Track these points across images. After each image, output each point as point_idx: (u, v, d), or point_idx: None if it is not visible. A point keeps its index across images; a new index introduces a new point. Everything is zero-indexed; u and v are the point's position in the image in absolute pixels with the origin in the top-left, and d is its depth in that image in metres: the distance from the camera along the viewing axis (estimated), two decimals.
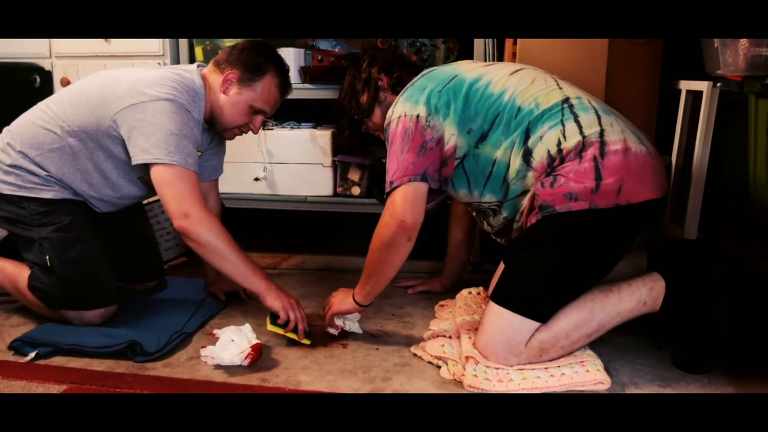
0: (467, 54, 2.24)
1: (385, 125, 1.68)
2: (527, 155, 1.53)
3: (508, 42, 2.13)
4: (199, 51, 2.35)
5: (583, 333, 1.50)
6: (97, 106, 1.70)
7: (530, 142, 1.52)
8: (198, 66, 1.83)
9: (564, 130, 1.50)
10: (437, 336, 1.69)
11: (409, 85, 1.68)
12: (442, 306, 1.95)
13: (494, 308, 1.51)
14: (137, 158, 1.66)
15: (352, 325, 1.77)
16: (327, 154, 2.35)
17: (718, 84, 1.79)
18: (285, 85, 1.84)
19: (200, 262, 2.38)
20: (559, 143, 1.49)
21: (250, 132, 1.88)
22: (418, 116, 1.59)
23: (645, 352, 1.64)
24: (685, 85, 1.96)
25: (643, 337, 1.69)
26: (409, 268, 2.32)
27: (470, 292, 1.94)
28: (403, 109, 1.62)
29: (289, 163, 2.38)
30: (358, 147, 2.11)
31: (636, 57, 2.02)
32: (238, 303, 2.02)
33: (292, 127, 2.39)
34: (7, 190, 1.75)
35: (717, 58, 1.74)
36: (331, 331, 1.74)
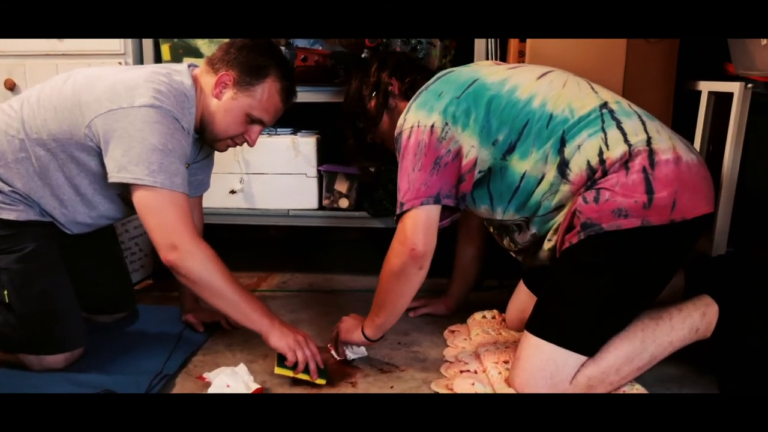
0: (466, 54, 2.05)
1: (396, 134, 1.48)
2: (563, 167, 1.35)
3: (513, 41, 1.95)
4: (165, 49, 2.10)
5: (634, 367, 1.33)
6: (70, 111, 1.45)
7: (566, 153, 1.35)
8: (189, 66, 1.58)
9: (606, 138, 1.33)
10: (461, 371, 1.49)
11: (422, 89, 1.48)
12: (453, 332, 1.75)
13: (532, 341, 1.33)
14: (113, 176, 1.41)
15: (355, 355, 1.61)
16: (311, 163, 2.13)
17: (750, 85, 1.66)
18: (289, 92, 1.60)
19: (170, 285, 2.16)
20: (600, 153, 1.32)
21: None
22: (432, 126, 1.40)
23: (688, 381, 1.49)
24: (707, 86, 1.83)
25: (682, 364, 1.53)
26: None
27: (484, 316, 1.76)
28: (416, 118, 1.42)
29: (269, 173, 2.15)
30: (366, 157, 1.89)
31: (651, 56, 1.87)
32: (222, 334, 1.79)
33: (269, 134, 2.15)
34: None
35: (753, 57, 1.60)
36: (335, 355, 1.60)
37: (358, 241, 2.71)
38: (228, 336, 1.77)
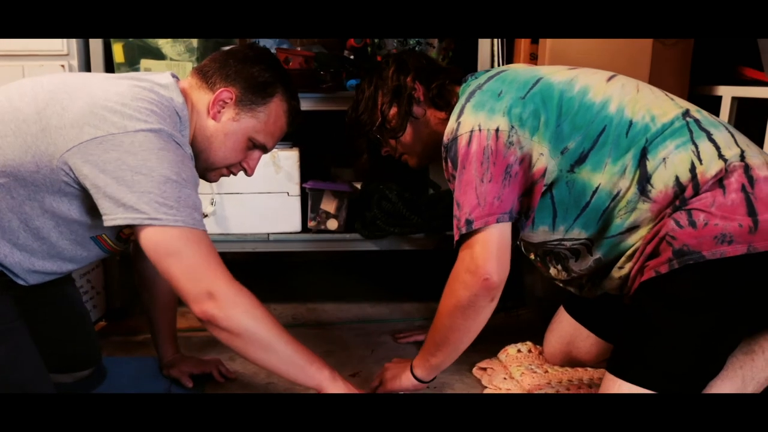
0: (464, 56, 1.87)
1: (445, 142, 1.28)
2: (643, 182, 1.19)
3: (524, 42, 1.78)
4: (118, 49, 1.77)
5: None
6: (35, 138, 1.11)
7: (649, 166, 1.19)
8: (173, 77, 1.28)
9: (698, 151, 1.17)
10: None
11: (473, 89, 1.29)
12: (485, 369, 1.56)
13: (623, 387, 1.15)
14: (115, 217, 1.10)
15: None
16: (293, 180, 1.87)
17: None
18: (296, 114, 1.36)
19: (130, 326, 1.84)
20: (693, 168, 1.17)
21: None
22: (497, 130, 1.21)
23: None
24: (729, 92, 1.73)
25: None
26: (401, 312, 1.96)
27: (519, 350, 1.58)
28: (476, 121, 1.23)
29: (245, 192, 1.86)
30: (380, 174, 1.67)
31: (666, 60, 1.76)
32: (215, 387, 1.51)
33: None
34: None
35: None
36: None
37: (329, 261, 2.47)
38: (224, 390, 1.50)
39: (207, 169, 1.33)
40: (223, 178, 1.80)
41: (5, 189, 1.14)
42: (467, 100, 1.27)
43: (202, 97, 1.28)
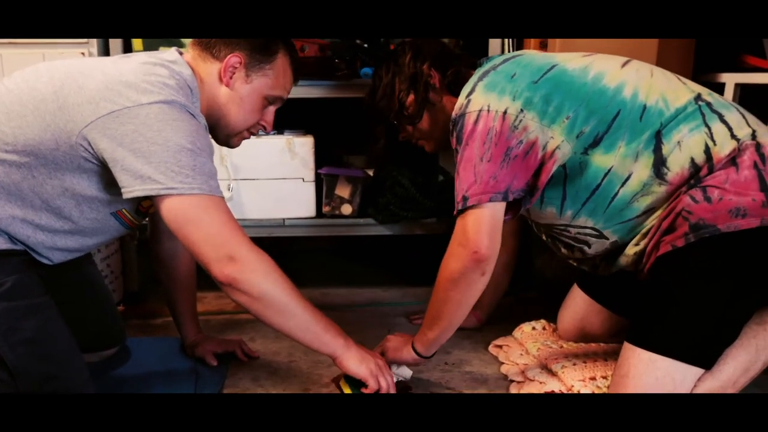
0: (476, 47, 1.91)
1: (453, 116, 1.32)
2: (659, 166, 1.24)
3: (532, 42, 1.83)
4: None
5: (749, 377, 1.23)
6: (54, 115, 1.15)
7: (664, 150, 1.23)
8: (178, 52, 1.31)
9: (711, 133, 1.22)
10: (550, 392, 1.35)
11: (487, 69, 1.32)
12: (501, 347, 1.60)
13: (643, 356, 1.20)
14: (133, 189, 1.14)
15: (397, 376, 1.41)
16: (308, 166, 1.91)
17: None
18: (299, 65, 1.41)
19: (147, 310, 1.87)
20: (707, 149, 1.22)
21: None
22: (505, 113, 1.25)
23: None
24: (732, 78, 1.79)
25: None
26: (413, 296, 1.99)
27: (534, 328, 1.63)
28: (485, 101, 1.27)
29: (261, 178, 1.90)
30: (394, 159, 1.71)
31: (671, 48, 1.81)
32: (239, 366, 1.54)
33: (260, 134, 1.91)
34: None
35: None
36: None
37: (340, 249, 2.51)
38: (248, 368, 1.53)
39: (229, 135, 1.38)
40: (239, 164, 1.87)
41: (27, 169, 1.18)
42: (480, 78, 1.31)
43: (210, 67, 1.31)
